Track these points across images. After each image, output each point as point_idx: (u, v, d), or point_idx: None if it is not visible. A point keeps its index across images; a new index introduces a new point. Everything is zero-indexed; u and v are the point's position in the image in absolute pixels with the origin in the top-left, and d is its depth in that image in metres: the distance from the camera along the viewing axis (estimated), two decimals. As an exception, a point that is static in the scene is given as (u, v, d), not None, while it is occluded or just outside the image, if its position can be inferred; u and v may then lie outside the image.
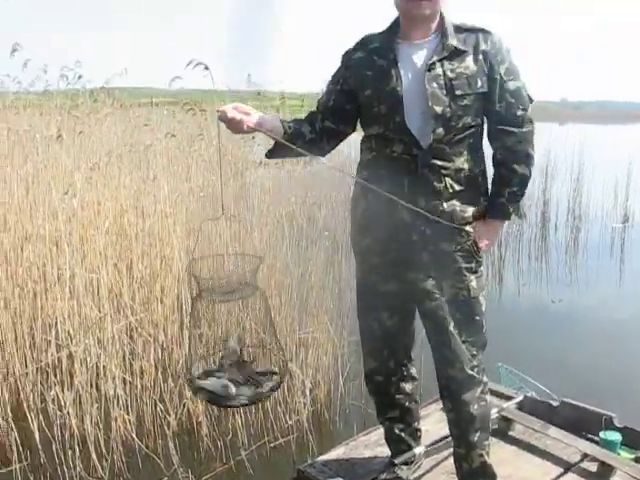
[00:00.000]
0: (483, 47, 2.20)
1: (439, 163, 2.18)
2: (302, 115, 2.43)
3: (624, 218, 10.15)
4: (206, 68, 3.53)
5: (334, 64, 2.40)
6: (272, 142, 2.30)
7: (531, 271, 7.74)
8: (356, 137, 2.52)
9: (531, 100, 2.26)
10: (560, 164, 10.42)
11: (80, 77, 5.40)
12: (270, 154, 2.37)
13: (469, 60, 2.18)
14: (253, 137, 7.08)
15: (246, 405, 2.26)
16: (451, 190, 2.20)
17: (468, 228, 2.25)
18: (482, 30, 2.22)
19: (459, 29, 2.22)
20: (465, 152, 2.22)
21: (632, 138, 12.09)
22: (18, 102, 5.95)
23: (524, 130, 2.25)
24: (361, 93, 2.27)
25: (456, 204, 2.22)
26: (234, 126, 2.15)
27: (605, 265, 7.95)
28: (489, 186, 2.34)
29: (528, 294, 6.81)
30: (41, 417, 3.49)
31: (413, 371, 2.62)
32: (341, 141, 2.45)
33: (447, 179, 2.19)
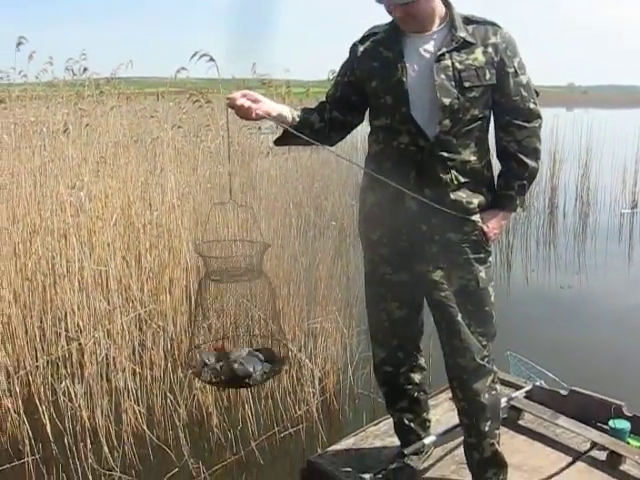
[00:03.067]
0: (492, 40, 2.19)
1: (445, 155, 2.18)
2: (308, 103, 2.43)
3: (633, 204, 10.10)
4: (211, 59, 3.54)
5: (340, 54, 2.41)
6: (281, 130, 2.31)
7: (539, 258, 7.72)
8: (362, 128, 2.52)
9: (537, 94, 2.26)
10: (568, 149, 10.37)
11: (86, 69, 5.40)
12: (278, 141, 2.38)
13: (478, 52, 2.17)
14: (259, 127, 7.08)
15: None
16: (456, 182, 2.20)
17: (474, 218, 2.25)
18: (491, 23, 2.22)
19: (467, 21, 2.21)
20: (472, 144, 2.22)
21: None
22: (24, 94, 5.95)
23: (535, 124, 2.26)
24: (368, 84, 2.26)
25: (462, 195, 2.22)
26: (243, 113, 2.15)
27: (614, 251, 7.92)
28: (494, 177, 2.34)
29: (537, 281, 6.79)
30: (52, 410, 3.52)
31: (422, 361, 2.62)
32: (349, 132, 2.46)
33: (453, 171, 2.19)
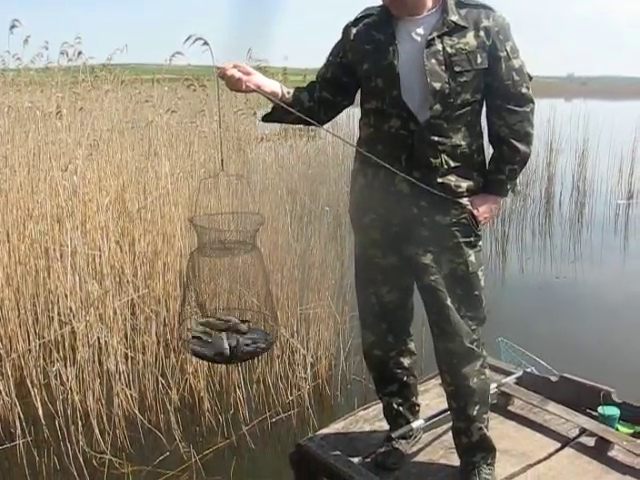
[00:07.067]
0: (485, 23, 2.17)
1: (436, 139, 2.17)
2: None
3: (629, 194, 10.11)
4: (205, 43, 3.50)
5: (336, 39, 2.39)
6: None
7: (535, 247, 7.73)
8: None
9: (530, 78, 2.25)
10: (565, 139, 10.37)
11: (80, 53, 5.35)
12: (267, 117, 2.38)
13: (469, 36, 2.16)
14: (254, 112, 7.06)
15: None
16: (446, 166, 2.20)
17: (462, 201, 2.24)
18: (484, 6, 2.20)
19: (461, 4, 2.19)
20: (463, 128, 2.21)
21: (639, 114, 11.96)
22: (19, 79, 5.93)
23: (527, 109, 2.24)
24: (359, 67, 2.26)
25: (451, 179, 2.22)
26: (232, 84, 2.14)
27: (609, 242, 7.93)
28: (486, 161, 2.34)
29: (531, 270, 6.80)
30: (44, 393, 3.53)
31: (412, 346, 2.62)
32: (338, 112, 2.45)
33: (443, 155, 2.19)
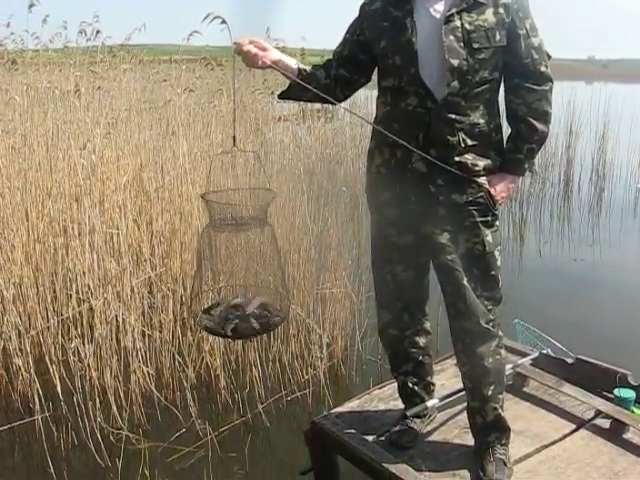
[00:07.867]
0: (504, 0, 2.15)
1: (454, 117, 2.15)
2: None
3: (649, 178, 10.00)
4: (223, 22, 3.49)
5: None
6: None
7: (553, 230, 7.69)
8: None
9: (549, 57, 2.23)
10: (585, 122, 10.25)
11: (98, 32, 5.36)
12: (283, 95, 2.38)
13: (488, 13, 2.14)
14: (272, 92, 7.06)
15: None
16: (463, 144, 2.18)
17: (481, 180, 2.23)
18: None
19: None
20: (481, 106, 2.19)
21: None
22: (38, 59, 5.96)
23: (545, 88, 2.22)
24: (377, 44, 2.24)
25: (468, 157, 2.20)
26: (249, 60, 2.15)
27: (628, 225, 7.88)
28: (503, 141, 2.32)
29: (549, 253, 6.77)
30: (62, 369, 3.56)
31: (427, 325, 2.62)
32: (355, 90, 2.45)
33: (461, 133, 2.17)
